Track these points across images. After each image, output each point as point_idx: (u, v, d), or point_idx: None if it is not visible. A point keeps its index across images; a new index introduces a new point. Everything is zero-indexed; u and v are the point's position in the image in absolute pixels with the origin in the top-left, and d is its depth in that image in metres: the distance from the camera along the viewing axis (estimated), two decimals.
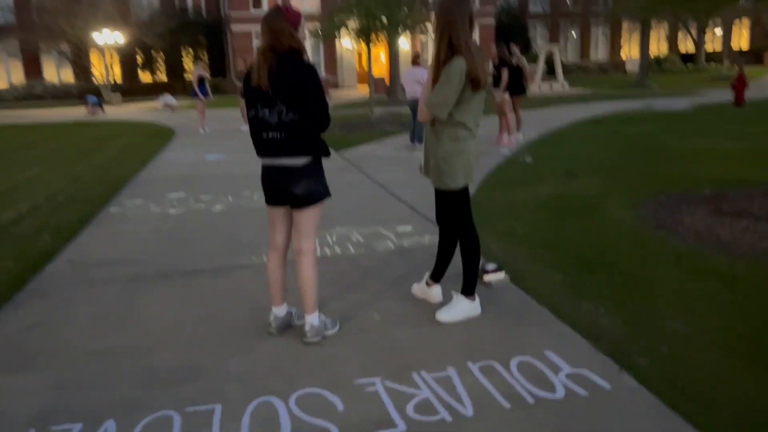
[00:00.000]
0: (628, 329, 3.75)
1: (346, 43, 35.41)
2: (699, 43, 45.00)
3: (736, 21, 49.41)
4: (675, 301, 4.14)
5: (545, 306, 4.11)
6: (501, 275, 4.56)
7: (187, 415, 3.02)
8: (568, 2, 47.75)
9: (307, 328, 3.75)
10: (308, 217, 3.67)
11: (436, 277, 4.23)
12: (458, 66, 3.52)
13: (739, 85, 16.72)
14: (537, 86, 26.57)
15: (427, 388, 3.17)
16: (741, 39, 51.96)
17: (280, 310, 3.90)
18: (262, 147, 3.62)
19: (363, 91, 34.19)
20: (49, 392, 3.28)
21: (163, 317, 4.24)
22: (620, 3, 35.35)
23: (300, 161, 3.55)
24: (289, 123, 3.48)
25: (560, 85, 27.82)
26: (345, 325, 3.94)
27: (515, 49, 12.44)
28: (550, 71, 29.68)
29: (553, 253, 5.20)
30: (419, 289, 4.34)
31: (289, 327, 3.95)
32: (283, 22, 3.45)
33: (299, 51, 3.48)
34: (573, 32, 49.00)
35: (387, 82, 29.94)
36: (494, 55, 12.11)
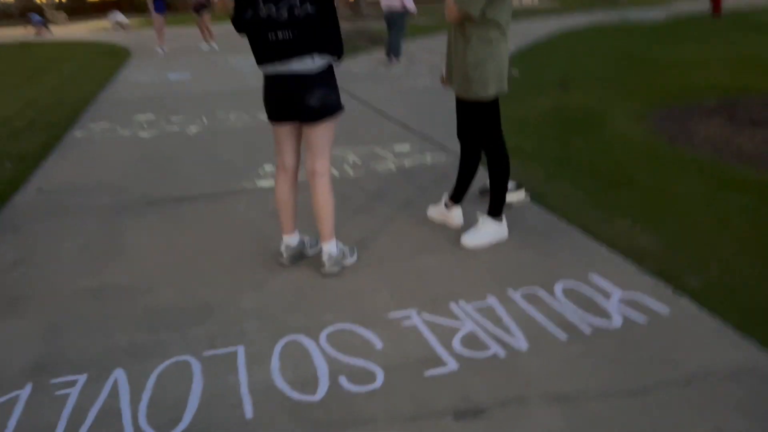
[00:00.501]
0: (670, 248, 3.48)
1: None
2: None
3: None
4: (710, 216, 3.88)
5: (575, 226, 3.82)
6: (521, 194, 4.24)
7: (207, 361, 2.67)
8: None
9: (324, 257, 3.39)
10: (323, 133, 3.25)
11: (457, 198, 3.88)
12: None
13: None
14: None
15: (469, 320, 2.87)
16: None
17: (292, 239, 3.52)
18: (267, 51, 3.13)
19: None
20: (41, 340, 2.89)
21: (157, 250, 3.83)
22: None
23: (315, 66, 3.10)
24: (304, 18, 3.01)
25: None
26: (362, 254, 3.60)
27: None
28: None
29: (567, 170, 4.89)
30: (437, 211, 4.00)
31: (302, 257, 3.59)
32: None
33: None
34: None
35: None
36: None
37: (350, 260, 3.49)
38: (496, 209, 3.64)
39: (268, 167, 5.34)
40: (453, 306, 2.99)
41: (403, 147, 5.77)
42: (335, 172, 5.14)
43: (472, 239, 3.60)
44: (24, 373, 2.63)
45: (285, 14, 2.99)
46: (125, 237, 4.04)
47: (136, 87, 10.25)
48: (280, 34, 3.06)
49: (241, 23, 3.19)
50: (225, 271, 3.50)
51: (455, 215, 3.90)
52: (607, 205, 4.12)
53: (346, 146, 5.83)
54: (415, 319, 2.90)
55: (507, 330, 2.78)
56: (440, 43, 14.91)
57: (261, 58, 3.18)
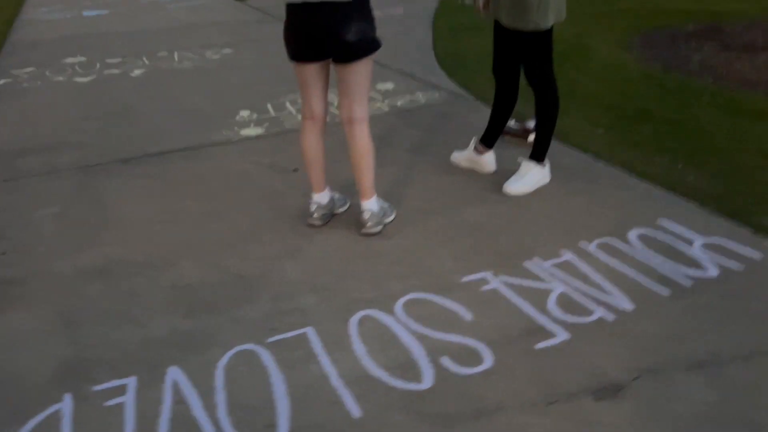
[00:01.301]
0: (724, 184, 3.30)
1: None
2: None
3: None
4: (748, 148, 3.72)
5: (615, 165, 3.57)
6: None
7: (275, 348, 2.28)
8: None
9: (366, 215, 3.00)
10: (362, 72, 2.82)
11: (490, 141, 3.54)
12: None
13: None
14: None
15: (555, 280, 2.58)
16: None
17: (323, 197, 3.11)
18: None
19: None
20: (61, 336, 2.40)
21: (155, 216, 3.32)
22: None
23: None
24: None
25: None
26: (397, 209, 3.23)
27: None
28: None
29: (573, 103, 4.60)
30: (464, 157, 3.65)
31: (332, 216, 3.19)
32: None
33: None
34: None
35: None
36: None
37: (391, 217, 3.12)
38: (541, 152, 3.33)
39: (245, 113, 4.80)
40: (529, 264, 2.70)
41: (387, 85, 5.33)
42: None
43: (517, 186, 3.30)
44: (56, 382, 2.16)
45: None
46: (109, 203, 3.49)
47: (50, 26, 9.15)
48: None
49: None
50: (248, 237, 3.06)
51: (488, 161, 3.57)
52: (635, 141, 3.90)
53: None
54: (494, 282, 2.59)
55: (600, 288, 2.52)
56: None
57: None
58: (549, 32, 3.04)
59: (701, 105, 4.45)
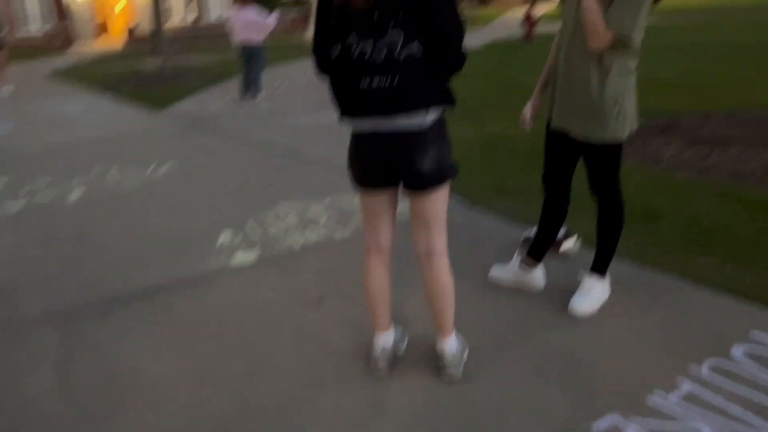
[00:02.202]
0: None
1: None
2: None
3: None
4: None
5: (663, 271, 3.42)
6: (572, 241, 3.77)
7: None
8: None
9: (447, 359, 2.62)
10: (440, 200, 2.52)
11: (539, 255, 3.30)
12: None
13: (529, 22, 17.43)
14: None
15: (695, 418, 2.30)
16: None
17: (388, 337, 2.71)
18: (360, 102, 2.34)
19: (102, 44, 30.26)
20: None
21: (182, 376, 2.77)
22: None
23: (426, 120, 2.35)
24: (406, 60, 2.26)
25: None
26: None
27: None
28: None
29: (579, 204, 4.50)
30: (508, 273, 3.38)
31: (396, 358, 2.78)
32: None
33: None
34: None
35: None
36: None
37: (465, 353, 2.75)
38: (604, 266, 3.12)
39: (226, 235, 4.34)
40: (655, 401, 2.41)
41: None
42: (314, 236, 4.29)
43: (585, 306, 3.05)
44: None
45: (383, 54, 2.22)
46: (117, 361, 2.90)
47: None
48: (376, 81, 2.28)
49: (326, 62, 2.38)
50: (315, 395, 2.58)
51: (537, 276, 3.31)
52: (660, 242, 3.80)
53: (285, 202, 4.98)
54: (631, 428, 2.27)
55: (746, 422, 2.26)
56: (280, 72, 14.12)
57: (347, 110, 2.39)
58: (623, 143, 2.88)
59: (705, 199, 4.47)
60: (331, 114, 8.08)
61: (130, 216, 4.96)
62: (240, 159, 6.67)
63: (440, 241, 2.56)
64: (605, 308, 3.09)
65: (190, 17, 34.36)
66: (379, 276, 2.63)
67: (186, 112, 9.77)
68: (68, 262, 4.08)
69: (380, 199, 2.55)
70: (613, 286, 3.23)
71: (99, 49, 27.88)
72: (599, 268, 3.11)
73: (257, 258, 3.96)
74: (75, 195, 5.60)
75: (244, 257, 3.98)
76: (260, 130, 8.07)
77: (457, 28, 2.27)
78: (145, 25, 31.30)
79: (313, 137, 7.40)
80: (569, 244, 3.72)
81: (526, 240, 3.76)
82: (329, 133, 7.26)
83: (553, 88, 2.96)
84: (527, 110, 3.17)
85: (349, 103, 2.38)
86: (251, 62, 10.26)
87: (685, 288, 3.26)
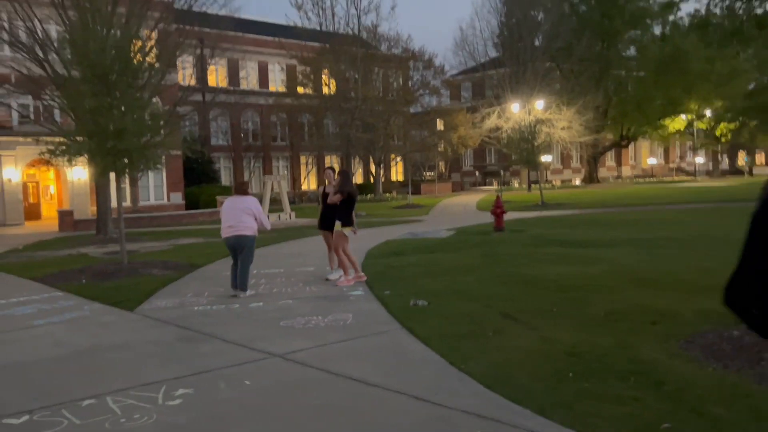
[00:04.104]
0: None
1: (9, 172, 29.94)
2: (377, 176, 48.93)
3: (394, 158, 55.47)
4: None
5: None
6: None
7: None
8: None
9: None
10: None
11: None
12: None
13: (499, 210, 17.39)
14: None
15: None
16: (398, 173, 58.51)
17: None
18: None
19: (33, 228, 28.85)
20: None
21: None
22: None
23: None
24: None
25: (287, 215, 26.71)
26: None
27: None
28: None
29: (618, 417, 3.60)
30: None
31: None
32: None
33: None
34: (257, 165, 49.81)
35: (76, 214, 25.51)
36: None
37: None
38: None
39: None
40: None
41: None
42: None
43: None
44: None
45: None
46: None
47: None
48: None
49: None
50: None
51: None
52: None
53: None
54: None
55: None
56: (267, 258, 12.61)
57: None
58: None
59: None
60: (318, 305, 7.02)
61: None
62: (276, 386, 5.45)
63: None
64: None
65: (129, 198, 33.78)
66: None
67: (171, 314, 8.31)
68: None
69: None
70: None
71: (32, 232, 26.46)
72: None
73: None
74: None
75: None
76: (268, 334, 6.89)
77: None
78: (83, 207, 30.26)
79: (341, 348, 6.33)
80: None
81: None
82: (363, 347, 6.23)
83: None
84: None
85: None
86: (242, 256, 9.31)
87: None
